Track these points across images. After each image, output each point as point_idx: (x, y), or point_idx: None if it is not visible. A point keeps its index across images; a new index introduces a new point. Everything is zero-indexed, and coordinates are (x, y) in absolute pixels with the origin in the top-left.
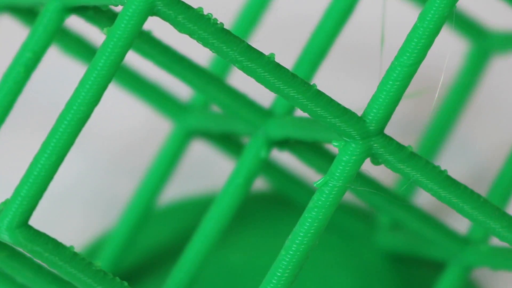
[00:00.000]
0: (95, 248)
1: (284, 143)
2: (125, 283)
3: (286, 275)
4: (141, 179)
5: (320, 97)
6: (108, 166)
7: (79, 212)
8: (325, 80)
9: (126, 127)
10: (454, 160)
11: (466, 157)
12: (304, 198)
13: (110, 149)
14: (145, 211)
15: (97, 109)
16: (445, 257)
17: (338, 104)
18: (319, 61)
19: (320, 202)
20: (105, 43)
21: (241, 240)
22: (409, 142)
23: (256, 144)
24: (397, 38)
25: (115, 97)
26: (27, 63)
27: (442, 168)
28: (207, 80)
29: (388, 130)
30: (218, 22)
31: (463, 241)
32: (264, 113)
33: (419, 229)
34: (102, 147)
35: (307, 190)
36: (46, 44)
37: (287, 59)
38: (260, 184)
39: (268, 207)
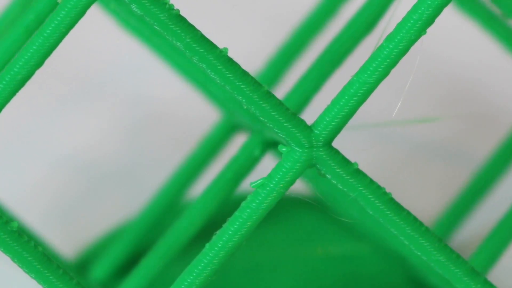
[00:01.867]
0: (117, 233)
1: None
2: (40, 248)
3: (207, 269)
4: (176, 167)
5: (271, 97)
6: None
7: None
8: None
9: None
10: None
11: None
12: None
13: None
14: (172, 201)
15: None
16: None
17: (287, 108)
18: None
19: (254, 204)
20: (56, 11)
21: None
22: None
23: (252, 142)
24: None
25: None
26: (28, 25)
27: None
28: None
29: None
30: (175, 8)
31: None
32: None
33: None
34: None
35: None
36: (51, 9)
37: None
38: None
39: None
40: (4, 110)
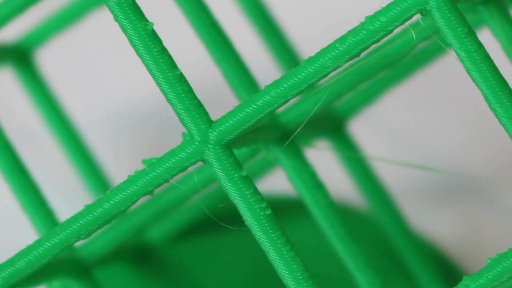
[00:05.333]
0: None
1: None
2: None
3: (82, 232)
4: None
5: (184, 81)
6: None
7: None
8: None
9: None
10: None
11: None
12: None
13: None
14: None
15: None
16: None
17: (196, 98)
18: None
19: (140, 183)
20: None
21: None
22: None
23: None
24: None
25: None
26: None
27: None
28: None
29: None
30: None
31: None
32: None
33: None
34: None
35: None
36: None
37: None
38: None
39: None
40: None
